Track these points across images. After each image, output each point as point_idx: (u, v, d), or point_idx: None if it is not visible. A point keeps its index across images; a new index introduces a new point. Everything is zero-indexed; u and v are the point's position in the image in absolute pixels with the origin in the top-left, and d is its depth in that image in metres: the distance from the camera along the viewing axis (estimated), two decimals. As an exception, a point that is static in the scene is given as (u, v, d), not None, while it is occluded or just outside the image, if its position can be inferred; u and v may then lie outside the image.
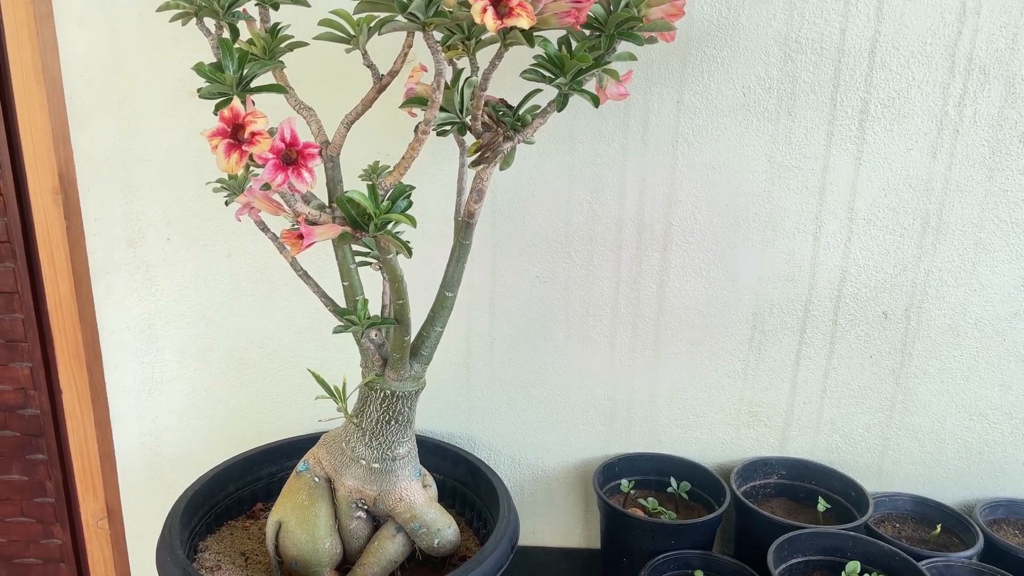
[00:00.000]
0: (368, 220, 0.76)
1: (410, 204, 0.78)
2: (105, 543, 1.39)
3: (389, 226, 0.77)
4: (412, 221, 0.76)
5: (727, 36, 1.09)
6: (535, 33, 0.76)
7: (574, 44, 0.83)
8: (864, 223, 1.15)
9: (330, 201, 0.87)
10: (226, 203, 0.90)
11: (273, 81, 0.83)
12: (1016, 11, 1.04)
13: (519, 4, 0.69)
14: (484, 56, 0.86)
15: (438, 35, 0.84)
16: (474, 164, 0.90)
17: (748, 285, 1.19)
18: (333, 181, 0.88)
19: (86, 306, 1.27)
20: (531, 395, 1.27)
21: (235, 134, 0.67)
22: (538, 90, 0.87)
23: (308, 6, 0.84)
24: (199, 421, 1.32)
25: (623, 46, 0.83)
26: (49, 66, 1.16)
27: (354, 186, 0.84)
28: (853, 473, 1.23)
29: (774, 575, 1.00)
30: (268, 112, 0.71)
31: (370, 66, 0.85)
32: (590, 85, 0.85)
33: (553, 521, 1.34)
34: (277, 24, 0.81)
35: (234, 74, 0.73)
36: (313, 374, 0.96)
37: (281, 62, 0.81)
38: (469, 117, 0.88)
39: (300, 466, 1.03)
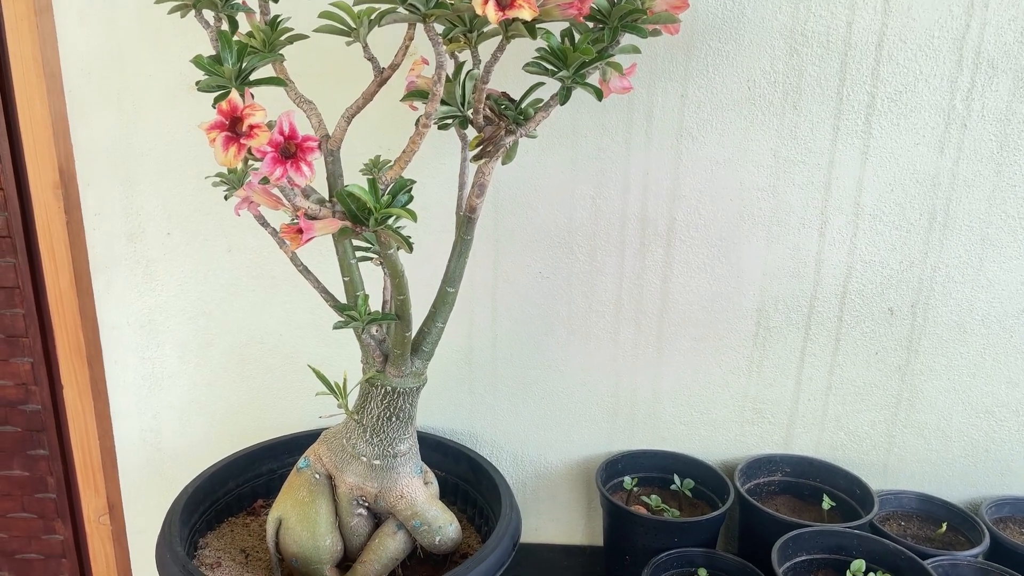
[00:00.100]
0: (368, 215, 0.75)
1: (411, 199, 0.77)
2: (106, 539, 1.39)
3: (390, 221, 0.76)
4: (413, 216, 0.75)
5: (732, 29, 1.07)
6: (537, 25, 0.75)
7: (577, 37, 0.82)
8: (870, 218, 1.14)
9: (330, 196, 0.86)
10: (225, 197, 0.90)
11: (273, 74, 0.83)
12: (1025, 4, 1.03)
13: (521, -5, 0.68)
14: (486, 49, 0.85)
15: (439, 27, 0.83)
16: (476, 158, 0.89)
17: (752, 281, 1.18)
18: (333, 175, 0.87)
19: (87, 301, 1.27)
20: (533, 392, 1.26)
21: (233, 127, 0.67)
22: (541, 83, 0.87)
23: (308, -2, 0.83)
24: (200, 417, 1.32)
25: (627, 39, 0.83)
26: (49, 60, 1.15)
27: (355, 181, 0.83)
28: (858, 471, 1.22)
29: (778, 573, 0.99)
30: (268, 106, 0.70)
31: (371, 59, 0.84)
32: (593, 78, 0.85)
33: (555, 518, 1.33)
34: (277, 16, 0.81)
35: (233, 67, 0.73)
36: (314, 370, 0.96)
37: (281, 55, 0.80)
38: (471, 111, 0.87)
39: (301, 463, 1.02)
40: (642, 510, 1.16)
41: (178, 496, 1.05)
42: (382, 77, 0.83)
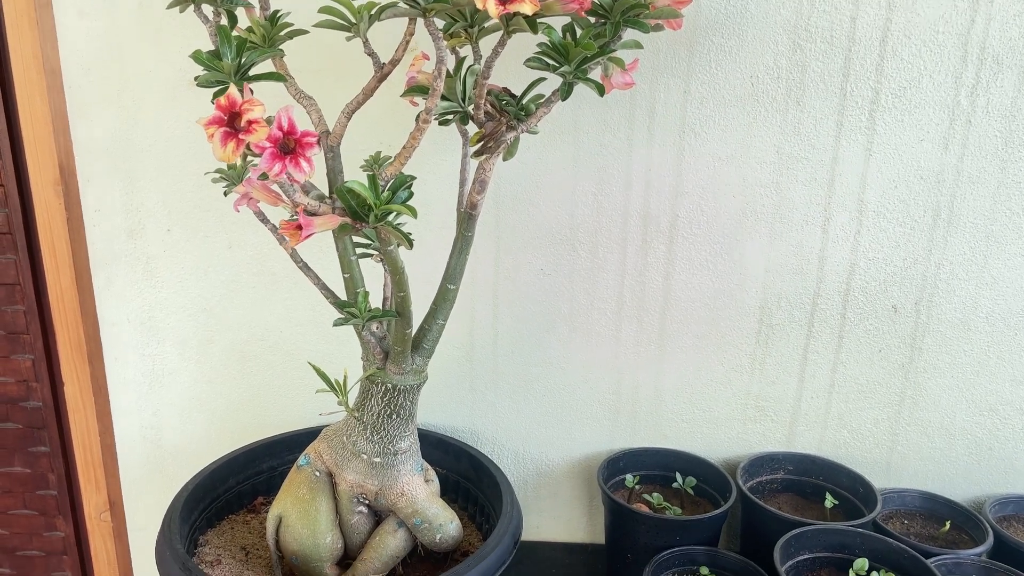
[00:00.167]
0: (368, 211, 0.75)
1: (411, 195, 0.76)
2: (108, 536, 1.39)
3: (390, 217, 0.76)
4: (413, 212, 0.74)
5: (735, 24, 1.07)
6: (539, 20, 0.74)
7: (579, 32, 0.82)
8: (874, 215, 1.13)
9: (330, 192, 0.85)
10: (225, 193, 0.89)
11: (272, 69, 0.82)
12: (1031, -1, 1.03)
13: (522, -11, 0.67)
14: (487, 44, 0.85)
15: (440, 22, 0.83)
16: (477, 154, 0.88)
17: (755, 278, 1.18)
18: (333, 171, 0.87)
19: (87, 298, 1.27)
20: (535, 389, 1.26)
21: (231, 122, 0.66)
22: (542, 79, 0.86)
23: (308, -7, 0.82)
24: (200, 414, 1.32)
25: (629, 34, 0.82)
26: (49, 56, 1.15)
27: (355, 177, 0.83)
28: (861, 469, 1.22)
29: (780, 572, 0.98)
30: (267, 102, 0.69)
31: (371, 54, 0.83)
32: (595, 74, 0.84)
33: (557, 516, 1.33)
34: (276, 11, 0.80)
35: (232, 62, 0.72)
36: (314, 367, 0.95)
37: (280, 50, 0.79)
38: (472, 106, 0.86)
39: (301, 460, 1.02)
40: (644, 508, 1.15)
41: (178, 493, 1.04)
42: (382, 73, 0.83)
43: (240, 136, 0.66)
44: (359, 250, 0.95)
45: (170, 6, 0.81)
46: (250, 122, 0.65)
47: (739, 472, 1.19)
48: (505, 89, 0.88)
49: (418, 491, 1.00)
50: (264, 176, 0.84)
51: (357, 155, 0.99)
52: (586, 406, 1.26)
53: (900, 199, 1.12)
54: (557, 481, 1.31)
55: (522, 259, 1.19)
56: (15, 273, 1.27)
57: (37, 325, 1.29)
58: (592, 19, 0.81)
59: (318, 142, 0.71)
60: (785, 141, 1.11)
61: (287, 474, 1.03)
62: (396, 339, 0.94)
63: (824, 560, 1.05)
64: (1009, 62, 1.05)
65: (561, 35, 0.79)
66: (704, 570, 1.07)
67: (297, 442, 1.16)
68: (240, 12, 0.82)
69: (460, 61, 0.89)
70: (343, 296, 0.96)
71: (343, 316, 0.89)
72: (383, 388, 0.96)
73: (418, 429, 1.04)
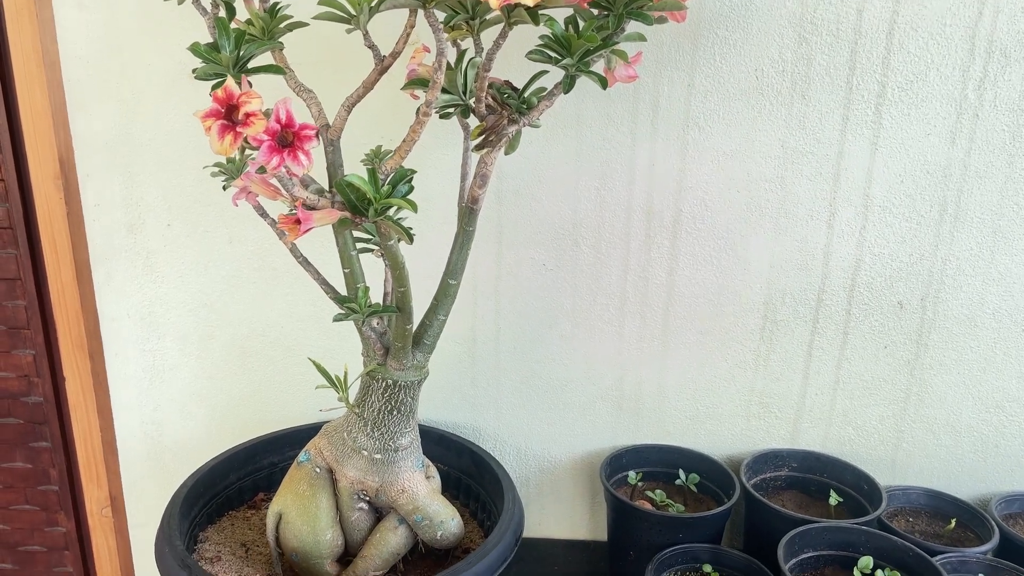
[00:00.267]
0: (368, 205, 0.74)
1: (411, 189, 0.76)
2: (109, 531, 1.39)
3: (390, 211, 0.75)
4: (413, 206, 0.74)
5: (740, 17, 1.06)
6: (540, 11, 0.73)
7: (581, 24, 0.81)
8: (880, 210, 1.12)
9: (330, 186, 0.85)
10: (224, 187, 0.88)
11: (272, 62, 0.81)
12: (1040, -9, 1.01)
13: (523, -20, 0.66)
14: (488, 36, 0.84)
15: (441, 14, 0.82)
16: (478, 148, 0.88)
17: (760, 274, 1.17)
18: (333, 165, 0.86)
19: (88, 293, 1.26)
20: (537, 385, 1.25)
21: (229, 115, 0.65)
22: (544, 71, 0.85)
23: (307, -16, 0.81)
24: (201, 410, 1.31)
25: (632, 26, 0.81)
26: (48, 49, 1.14)
27: (356, 171, 0.82)
28: (866, 466, 1.21)
29: (784, 570, 0.98)
30: (267, 96, 0.69)
31: (371, 47, 0.82)
32: (598, 67, 0.83)
33: (559, 513, 1.32)
34: (276, 3, 0.79)
35: (230, 54, 0.71)
36: (314, 363, 0.95)
37: (280, 43, 0.78)
38: (473, 99, 0.86)
39: (301, 456, 1.01)
40: (647, 505, 1.15)
41: (178, 489, 1.04)
42: (383, 65, 0.82)
43: (237, 129, 0.65)
44: (359, 245, 0.95)
45: (168, -2, 0.80)
46: (248, 115, 0.65)
47: (743, 469, 1.18)
48: (507, 82, 0.87)
49: (419, 488, 0.99)
50: (262, 170, 0.83)
51: (358, 149, 0.98)
52: (589, 402, 1.26)
53: (906, 194, 1.11)
54: (559, 478, 1.30)
55: (524, 254, 1.19)
56: (16, 268, 1.27)
57: (38, 320, 1.29)
58: (595, 11, 0.80)
59: (317, 135, 0.70)
60: (790, 135, 1.10)
61: (288, 470, 1.03)
62: (397, 335, 0.93)
63: (828, 558, 1.04)
64: (1017, 55, 1.04)
65: (563, 27, 0.78)
66: (707, 568, 1.06)
67: (298, 438, 1.16)
68: (239, 4, 0.81)
69: (461, 54, 0.88)
70: (343, 291, 0.95)
71: (343, 311, 0.89)
72: (384, 384, 0.95)
73: (419, 425, 1.03)
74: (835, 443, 1.24)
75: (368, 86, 0.82)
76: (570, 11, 0.81)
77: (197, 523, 1.06)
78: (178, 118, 1.16)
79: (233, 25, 0.74)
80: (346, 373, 0.96)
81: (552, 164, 1.14)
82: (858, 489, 1.17)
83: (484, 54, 0.81)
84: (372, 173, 0.74)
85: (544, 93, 0.85)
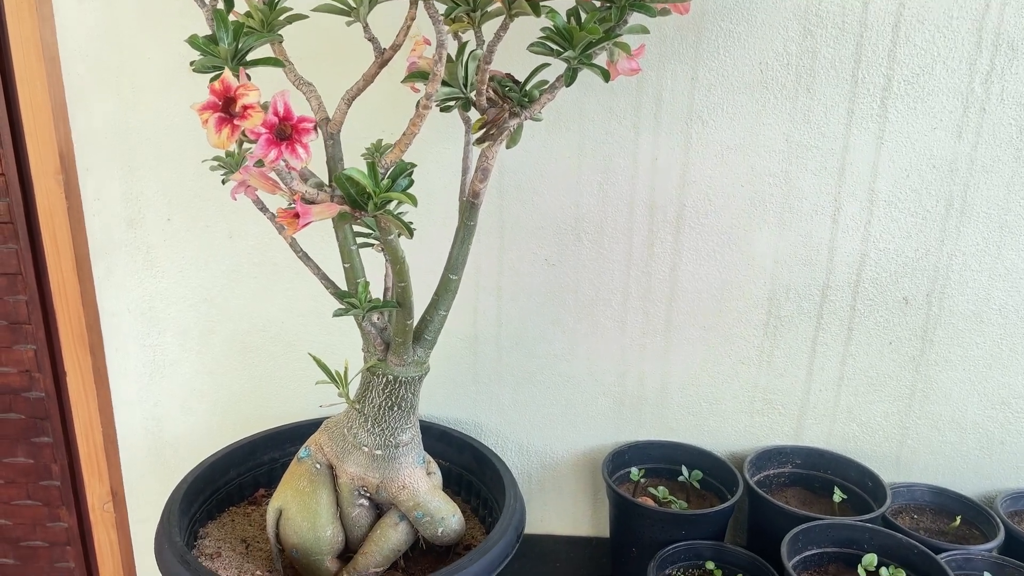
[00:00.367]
0: (367, 199, 0.73)
1: (411, 183, 0.75)
2: (111, 526, 1.39)
3: (390, 205, 0.74)
4: (413, 200, 0.73)
5: (744, 9, 1.05)
6: (542, 3, 0.73)
7: (583, 16, 0.80)
8: (885, 205, 1.11)
9: (330, 180, 0.84)
10: (223, 181, 0.88)
11: (271, 55, 0.80)
12: (1048, -18, 1.00)
13: (524, -29, 0.66)
14: (489, 29, 0.83)
15: (441, 6, 0.81)
16: (479, 141, 0.87)
17: (763, 269, 1.16)
18: (333, 159, 0.85)
19: (88, 288, 1.26)
20: (539, 381, 1.25)
21: (226, 107, 0.65)
22: (546, 64, 0.85)
23: (306, -24, 0.81)
24: (201, 405, 1.31)
25: (635, 18, 0.80)
26: (48, 44, 1.14)
27: (356, 165, 0.82)
28: (870, 463, 1.20)
29: (788, 567, 0.97)
30: (266, 89, 0.68)
31: (371, 39, 0.82)
32: (600, 59, 0.82)
33: (561, 509, 1.32)
34: (275, -5, 0.79)
35: (229, 47, 0.71)
36: (314, 358, 0.94)
37: (279, 35, 0.78)
38: (474, 92, 0.85)
39: (302, 452, 1.01)
40: (649, 502, 1.14)
41: (178, 485, 1.04)
42: (383, 58, 0.81)
43: (235, 122, 0.64)
44: (359, 239, 0.94)
45: (166, -10, 0.80)
46: (245, 107, 0.64)
47: (746, 466, 1.18)
48: (508, 75, 0.87)
49: (420, 484, 0.99)
50: (260, 163, 0.82)
51: (358, 143, 0.98)
52: (591, 398, 1.25)
53: (912, 188, 1.10)
54: (561, 474, 1.30)
55: (526, 249, 1.18)
56: (16, 263, 1.26)
57: (39, 315, 1.29)
58: (597, 2, 0.79)
59: (315, 128, 0.69)
60: (795, 129, 1.09)
61: (288, 466, 1.02)
62: (397, 330, 0.92)
63: (832, 555, 1.04)
64: (1025, 48, 1.03)
65: (565, 19, 0.77)
66: (710, 565, 1.06)
67: (298, 434, 1.16)
68: (238, -4, 0.81)
69: (462, 46, 0.87)
70: (344, 286, 0.94)
71: (343, 307, 0.88)
72: (384, 380, 0.95)
73: (420, 421, 1.02)
74: (839, 440, 1.23)
75: (368, 79, 0.81)
76: (572, 3, 0.80)
77: (197, 519, 1.06)
78: (178, 112, 1.16)
79: (232, 17, 0.73)
80: (347, 369, 0.95)
81: (554, 158, 1.13)
82: (862, 486, 1.17)
83: (485, 46, 0.80)
84: (372, 167, 0.73)
85: (546, 86, 0.85)
